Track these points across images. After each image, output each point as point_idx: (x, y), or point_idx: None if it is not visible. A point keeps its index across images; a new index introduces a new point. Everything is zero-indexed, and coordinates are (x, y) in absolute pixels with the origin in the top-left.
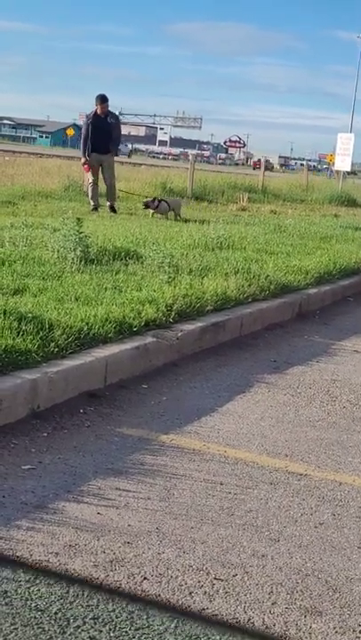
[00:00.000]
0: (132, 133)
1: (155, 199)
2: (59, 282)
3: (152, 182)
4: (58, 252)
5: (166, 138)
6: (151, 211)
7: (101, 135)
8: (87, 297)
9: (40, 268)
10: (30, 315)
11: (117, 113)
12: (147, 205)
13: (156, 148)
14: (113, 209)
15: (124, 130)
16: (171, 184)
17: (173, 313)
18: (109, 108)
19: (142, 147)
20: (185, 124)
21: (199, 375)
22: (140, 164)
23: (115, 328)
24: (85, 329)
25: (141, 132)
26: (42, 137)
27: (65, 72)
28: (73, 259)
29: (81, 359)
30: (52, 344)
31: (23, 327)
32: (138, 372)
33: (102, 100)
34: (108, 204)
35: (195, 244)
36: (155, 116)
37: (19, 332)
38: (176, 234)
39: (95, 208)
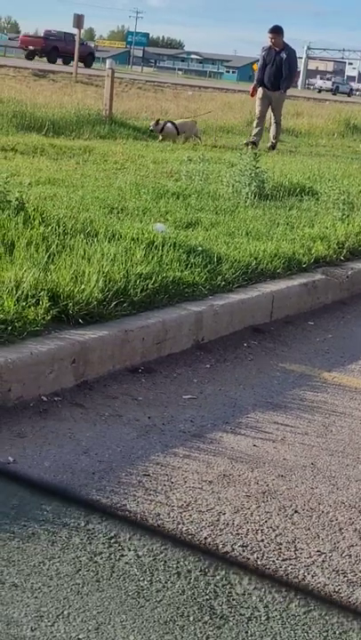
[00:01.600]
0: (319, 68)
1: (157, 121)
2: (231, 216)
3: (336, 118)
4: (233, 186)
5: (355, 73)
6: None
7: (272, 70)
8: (258, 232)
9: (214, 203)
10: (200, 248)
11: (306, 47)
12: (152, 130)
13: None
14: (273, 147)
15: (312, 65)
16: (355, 120)
17: (345, 251)
18: (286, 41)
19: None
20: None
21: None
22: (325, 100)
23: (283, 264)
24: (254, 264)
25: (330, 67)
26: (228, 72)
27: (253, 5)
28: (247, 194)
29: (247, 294)
30: (220, 277)
31: (192, 260)
32: (305, 309)
33: (271, 31)
34: (270, 143)
35: None
36: (343, 50)
37: (187, 265)
38: (356, 171)
39: (252, 143)
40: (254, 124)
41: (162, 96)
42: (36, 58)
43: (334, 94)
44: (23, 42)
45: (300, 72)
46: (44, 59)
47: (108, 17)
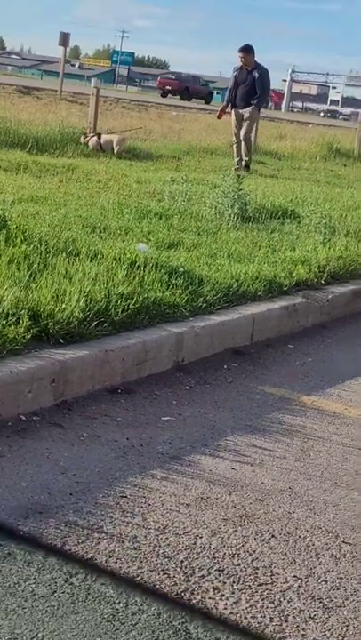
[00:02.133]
0: (303, 92)
1: (85, 134)
2: (213, 238)
3: (319, 142)
4: (215, 208)
5: (338, 97)
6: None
7: (245, 89)
8: (240, 254)
9: (196, 224)
10: (182, 269)
11: (290, 70)
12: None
13: (327, 107)
14: (247, 166)
15: (296, 88)
16: (338, 144)
17: (326, 274)
18: (261, 62)
19: (313, 105)
20: (358, 83)
21: (347, 339)
22: (309, 123)
23: (264, 287)
24: (235, 286)
25: (313, 90)
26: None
27: (238, 28)
28: (230, 215)
29: (228, 316)
30: (201, 299)
31: (174, 281)
32: (285, 332)
33: (241, 50)
34: (244, 159)
35: (355, 206)
36: (327, 74)
37: (169, 286)
38: (338, 195)
39: (242, 166)
40: (234, 148)
41: (146, 115)
42: (169, 96)
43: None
44: (161, 83)
45: (284, 94)
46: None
47: (94, 35)
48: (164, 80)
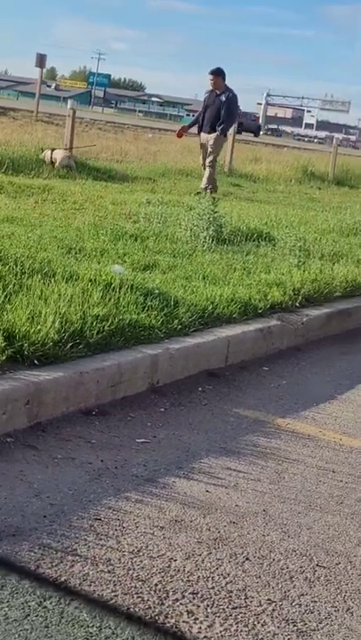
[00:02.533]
0: (278, 115)
1: (42, 149)
2: (189, 260)
3: (293, 165)
4: (191, 230)
5: (313, 121)
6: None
7: (212, 113)
8: (215, 276)
9: (172, 246)
10: (157, 291)
11: (265, 94)
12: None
13: (302, 130)
14: (205, 190)
15: (271, 111)
16: (312, 167)
17: (300, 297)
18: (231, 86)
19: (288, 129)
20: (333, 107)
21: (322, 361)
22: (284, 146)
23: (239, 309)
24: (210, 308)
25: (288, 114)
26: (188, 115)
27: (215, 53)
28: (205, 238)
29: (203, 338)
30: (176, 321)
31: (149, 303)
32: (260, 354)
33: (212, 72)
34: (202, 186)
35: (330, 229)
36: (303, 98)
37: (144, 308)
38: (312, 218)
39: (208, 190)
40: (203, 172)
41: (122, 137)
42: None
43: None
44: None
45: (259, 117)
46: None
47: (71, 57)
48: None
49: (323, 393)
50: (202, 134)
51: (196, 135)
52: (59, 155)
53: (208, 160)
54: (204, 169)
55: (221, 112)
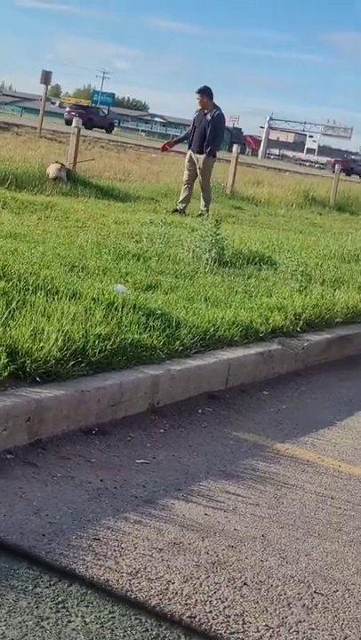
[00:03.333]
0: (280, 139)
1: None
2: (191, 281)
3: (295, 189)
4: (193, 251)
5: (315, 146)
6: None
7: (199, 132)
8: (217, 299)
9: (174, 266)
10: (159, 311)
11: (268, 118)
12: None
13: (303, 155)
14: (207, 212)
15: (273, 135)
16: (314, 192)
17: (301, 322)
18: (221, 105)
19: (290, 153)
20: (335, 133)
21: (322, 387)
22: (286, 171)
23: (241, 332)
24: (212, 330)
25: (290, 138)
26: None
27: (216, 75)
28: (207, 259)
29: (204, 360)
30: (178, 342)
31: (151, 323)
32: (260, 378)
33: (198, 91)
34: (199, 211)
35: (331, 255)
36: (305, 123)
37: (146, 328)
38: (313, 243)
39: (177, 210)
40: (182, 190)
41: (125, 156)
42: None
43: (348, 175)
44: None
45: (260, 141)
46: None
47: (75, 74)
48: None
49: (322, 419)
50: (190, 153)
51: (183, 155)
52: (51, 168)
53: (202, 183)
54: (187, 188)
55: (207, 132)
